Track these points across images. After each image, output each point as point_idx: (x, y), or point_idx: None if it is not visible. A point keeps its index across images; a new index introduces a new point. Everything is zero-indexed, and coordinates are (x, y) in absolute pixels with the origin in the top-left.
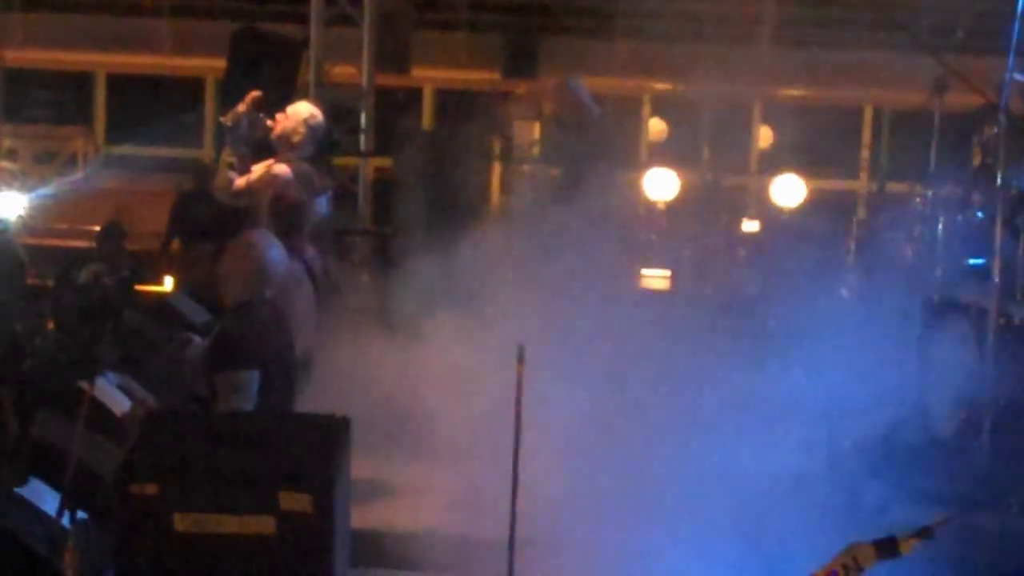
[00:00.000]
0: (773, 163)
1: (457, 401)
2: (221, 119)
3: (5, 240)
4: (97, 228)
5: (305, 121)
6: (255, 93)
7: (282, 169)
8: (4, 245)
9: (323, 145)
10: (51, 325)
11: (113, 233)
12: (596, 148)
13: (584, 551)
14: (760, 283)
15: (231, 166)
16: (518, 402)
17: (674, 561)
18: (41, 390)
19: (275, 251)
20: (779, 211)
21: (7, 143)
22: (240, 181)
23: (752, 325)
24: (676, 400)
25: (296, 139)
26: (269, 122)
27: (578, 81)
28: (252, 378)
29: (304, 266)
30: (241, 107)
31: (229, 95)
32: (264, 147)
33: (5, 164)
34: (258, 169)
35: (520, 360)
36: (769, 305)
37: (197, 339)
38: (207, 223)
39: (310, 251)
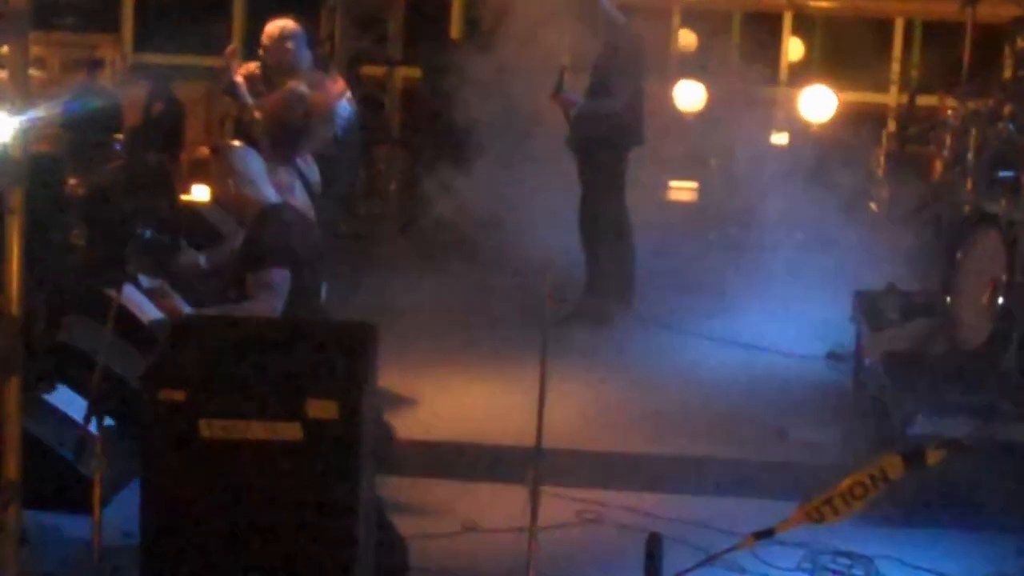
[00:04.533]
0: (803, 75)
1: (482, 313)
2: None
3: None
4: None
5: (280, 36)
6: (230, 48)
7: (291, 84)
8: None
9: (316, 42)
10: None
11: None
12: (624, 59)
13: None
14: (788, 195)
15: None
16: (544, 324)
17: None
18: (69, 296)
19: (253, 158)
20: (808, 123)
21: (36, 50)
22: (259, 114)
23: (779, 237)
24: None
25: (287, 57)
26: (237, 67)
27: None
28: (284, 276)
29: (296, 173)
30: (226, 68)
31: (257, 4)
32: (273, 83)
33: (34, 72)
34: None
35: (549, 287)
36: (797, 217)
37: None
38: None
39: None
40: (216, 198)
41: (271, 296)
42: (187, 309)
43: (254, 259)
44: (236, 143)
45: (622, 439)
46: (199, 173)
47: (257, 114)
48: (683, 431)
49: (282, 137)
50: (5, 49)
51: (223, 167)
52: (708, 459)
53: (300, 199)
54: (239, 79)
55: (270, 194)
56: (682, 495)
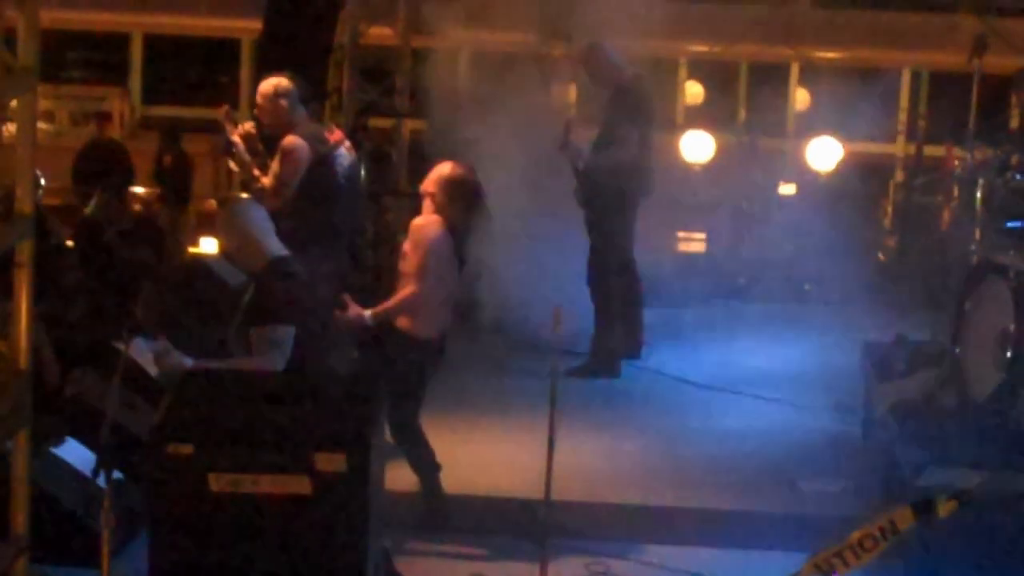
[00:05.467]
0: (810, 125)
1: (490, 363)
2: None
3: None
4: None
5: (274, 95)
6: (223, 110)
7: (290, 141)
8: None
9: (311, 96)
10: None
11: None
12: (631, 109)
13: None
14: (795, 246)
15: (253, 179)
16: (553, 373)
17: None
18: (78, 348)
19: (257, 211)
20: (816, 174)
21: (44, 104)
22: (266, 180)
23: (786, 288)
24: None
25: (282, 115)
26: (232, 129)
27: (608, 44)
28: (288, 334)
29: None
30: (231, 133)
31: (265, 57)
32: (270, 141)
33: (43, 125)
34: (275, 162)
35: (557, 322)
36: (804, 268)
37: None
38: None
39: None
40: (223, 250)
41: (274, 352)
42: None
43: (259, 313)
44: (243, 195)
45: (631, 491)
46: (207, 225)
47: (266, 181)
48: (692, 482)
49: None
50: (14, 103)
51: (229, 219)
52: (717, 510)
53: None
54: (236, 139)
55: (276, 247)
56: (691, 547)
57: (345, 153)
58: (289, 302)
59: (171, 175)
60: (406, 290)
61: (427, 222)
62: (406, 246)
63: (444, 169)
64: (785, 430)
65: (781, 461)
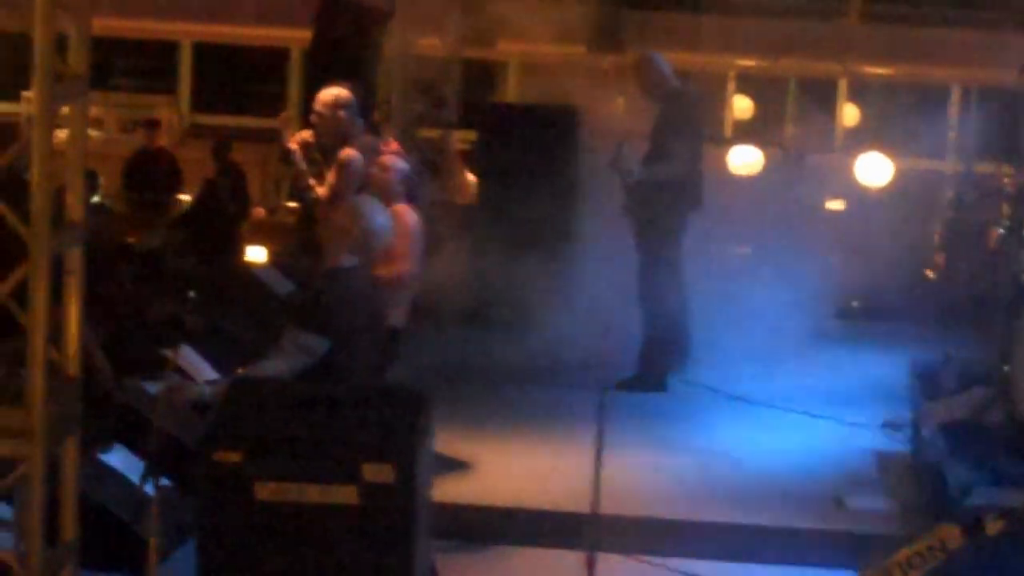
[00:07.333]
0: (858, 141)
1: (538, 376)
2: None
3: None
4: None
5: (334, 104)
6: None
7: (346, 153)
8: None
9: (368, 108)
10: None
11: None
12: (681, 121)
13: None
14: (844, 261)
15: (308, 188)
16: (600, 386)
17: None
18: (128, 355)
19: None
20: (864, 189)
21: (94, 111)
22: (321, 190)
23: (834, 303)
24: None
25: (341, 126)
26: (290, 136)
27: (657, 56)
28: (320, 345)
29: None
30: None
31: (314, 67)
32: (327, 151)
33: (92, 132)
34: (331, 173)
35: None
36: (853, 283)
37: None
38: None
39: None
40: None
41: (297, 357)
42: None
43: (305, 316)
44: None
45: (678, 506)
46: (256, 235)
47: (321, 191)
48: (739, 498)
49: None
50: (66, 110)
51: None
52: (764, 527)
53: None
54: (294, 147)
55: (348, 257)
56: (738, 563)
57: (402, 162)
58: (334, 315)
59: (220, 184)
60: None
61: None
62: None
63: None
64: (833, 447)
65: (828, 478)
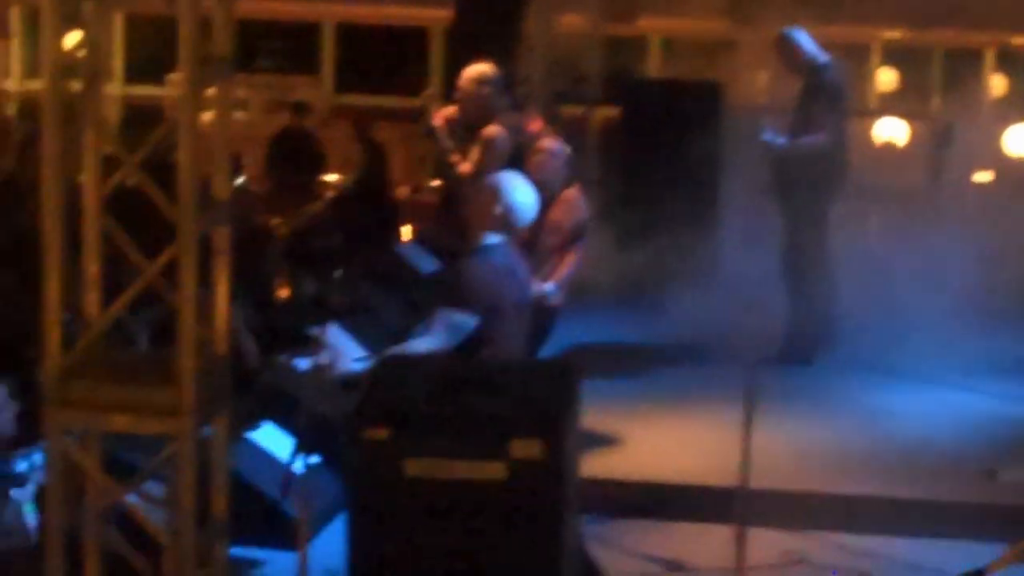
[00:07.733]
0: (1007, 111)
1: (686, 352)
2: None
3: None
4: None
5: (479, 80)
6: (428, 92)
7: (491, 131)
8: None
9: (511, 85)
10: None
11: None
12: (826, 97)
13: None
14: (993, 234)
15: (452, 165)
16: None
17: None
18: (276, 334)
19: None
20: (1014, 161)
21: (239, 92)
22: (465, 167)
23: (984, 276)
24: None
25: (485, 103)
26: (435, 112)
27: (798, 31)
28: (467, 322)
29: None
30: (426, 112)
31: (456, 46)
32: (471, 127)
33: (236, 114)
34: (475, 150)
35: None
36: (1005, 255)
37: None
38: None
39: None
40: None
41: (443, 336)
42: (359, 352)
43: (451, 294)
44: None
45: (827, 480)
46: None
47: (465, 168)
48: (889, 472)
49: None
50: (211, 92)
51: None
52: (915, 500)
53: None
54: (438, 123)
55: (493, 235)
56: (889, 536)
57: (557, 144)
58: (477, 292)
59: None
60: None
61: None
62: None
63: None
64: (985, 420)
65: (981, 451)
